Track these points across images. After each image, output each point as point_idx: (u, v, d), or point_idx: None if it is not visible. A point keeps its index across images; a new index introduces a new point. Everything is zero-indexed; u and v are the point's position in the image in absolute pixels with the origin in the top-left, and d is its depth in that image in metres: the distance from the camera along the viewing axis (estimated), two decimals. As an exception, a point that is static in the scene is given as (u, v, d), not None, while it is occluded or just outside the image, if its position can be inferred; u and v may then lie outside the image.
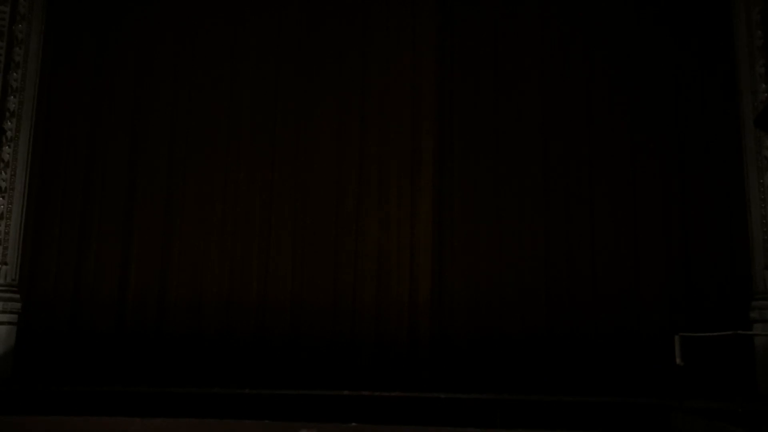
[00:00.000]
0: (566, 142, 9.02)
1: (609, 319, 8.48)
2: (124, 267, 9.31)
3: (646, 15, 9.05)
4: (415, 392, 7.94)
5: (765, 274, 8.06)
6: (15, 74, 9.32)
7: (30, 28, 9.49)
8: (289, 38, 9.67)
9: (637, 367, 8.12)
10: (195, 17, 9.81)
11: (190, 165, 9.50)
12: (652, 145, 8.84)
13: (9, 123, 9.23)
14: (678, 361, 7.15)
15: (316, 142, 9.41)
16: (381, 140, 9.32)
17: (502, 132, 9.14)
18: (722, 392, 7.50)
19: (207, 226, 9.36)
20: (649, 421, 7.11)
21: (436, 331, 8.76)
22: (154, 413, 7.43)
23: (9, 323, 8.91)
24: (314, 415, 7.55)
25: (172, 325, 9.10)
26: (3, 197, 9.09)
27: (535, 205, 8.92)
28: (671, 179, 8.73)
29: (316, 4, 9.70)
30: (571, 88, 9.08)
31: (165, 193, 9.45)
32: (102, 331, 9.10)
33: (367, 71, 9.49)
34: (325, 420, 7.39)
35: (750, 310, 8.07)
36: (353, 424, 7.13)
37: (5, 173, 9.13)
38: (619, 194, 8.80)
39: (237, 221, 9.36)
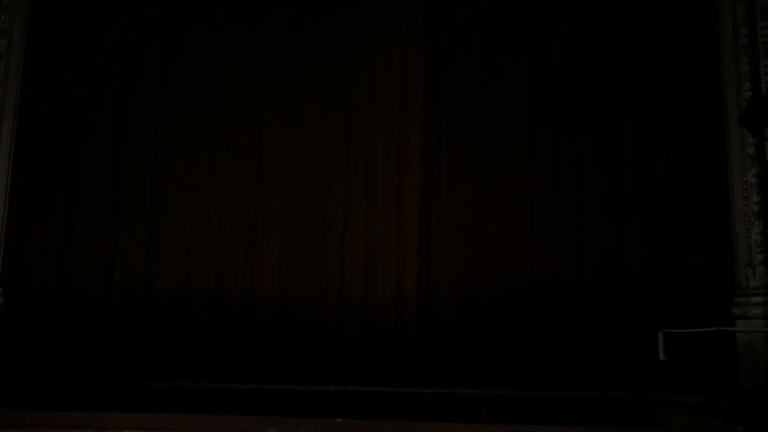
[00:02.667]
0: (553, 140, 9.07)
1: (594, 315, 8.55)
2: (109, 261, 9.24)
3: (633, 9, 9.10)
4: (401, 387, 7.95)
5: (747, 272, 8.14)
6: (-2, 65, 9.21)
7: (13, 20, 9.37)
8: (279, 32, 9.62)
9: (622, 362, 8.19)
10: (183, 17, 9.75)
11: (176, 159, 9.45)
12: (638, 142, 8.92)
13: (-8, 115, 9.13)
14: (662, 356, 7.20)
15: (304, 136, 9.38)
16: (368, 134, 9.32)
17: (489, 128, 9.18)
18: (705, 387, 7.57)
19: (193, 221, 9.31)
20: (633, 414, 7.16)
21: (422, 326, 8.79)
22: (139, 407, 7.40)
23: (-9, 317, 8.83)
24: (299, 410, 7.53)
25: (157, 319, 9.05)
26: (-14, 191, 9.00)
27: (522, 202, 8.97)
28: (656, 177, 8.81)
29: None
30: (558, 84, 9.13)
31: (150, 187, 9.40)
32: (86, 325, 9.03)
33: (355, 64, 9.50)
34: (311, 415, 7.37)
35: (733, 306, 8.15)
36: (338, 419, 7.14)
37: (-12, 167, 9.03)
38: (605, 192, 8.87)
39: (223, 215, 9.32)
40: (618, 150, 8.92)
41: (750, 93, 8.27)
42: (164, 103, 9.58)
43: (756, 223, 8.17)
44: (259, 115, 9.50)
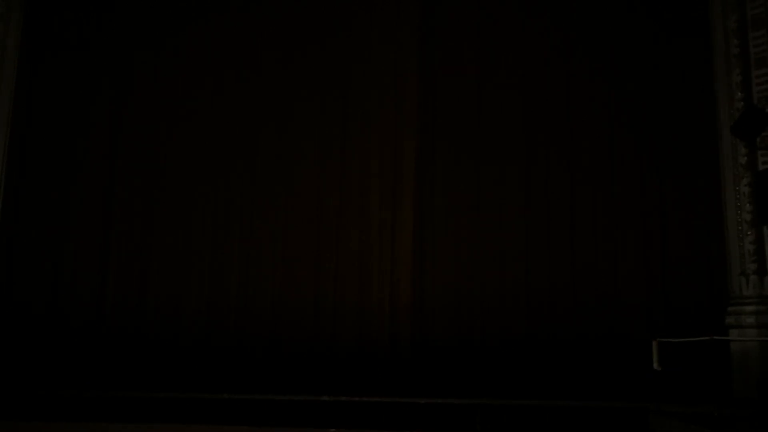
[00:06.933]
0: (546, 150, 9.10)
1: (588, 324, 8.54)
2: (102, 271, 9.22)
3: (626, 18, 9.15)
4: (395, 397, 7.92)
5: (741, 281, 8.16)
6: (-8, 74, 9.22)
7: (8, 28, 9.41)
8: (276, 41, 9.65)
9: (617, 372, 8.18)
10: (178, 23, 9.78)
11: (170, 168, 9.44)
12: (631, 152, 8.94)
13: (-15, 123, 9.13)
14: (656, 365, 7.20)
15: (298, 145, 9.40)
16: (362, 144, 9.34)
17: (483, 138, 9.20)
18: (699, 396, 7.58)
19: (187, 230, 9.30)
20: (628, 424, 7.16)
21: (416, 335, 8.77)
22: (132, 418, 7.36)
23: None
24: (293, 421, 7.51)
25: (151, 328, 9.02)
26: (-22, 198, 8.98)
27: (516, 211, 8.98)
28: (649, 186, 8.83)
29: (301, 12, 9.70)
30: (551, 93, 9.16)
31: (144, 196, 9.39)
32: (79, 334, 8.99)
33: (350, 76, 9.50)
34: (305, 425, 7.36)
35: (726, 315, 8.15)
36: (332, 430, 7.12)
37: (-19, 174, 9.02)
38: (599, 201, 8.89)
39: (217, 224, 9.31)
40: (611, 159, 8.95)
41: (742, 103, 8.32)
42: (158, 112, 9.58)
43: (749, 233, 8.20)
44: (254, 123, 9.51)
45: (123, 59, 9.70)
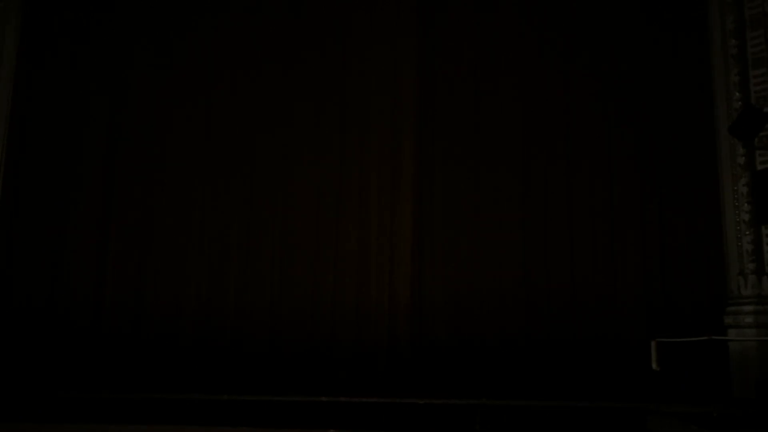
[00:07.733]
0: (544, 150, 9.10)
1: (587, 324, 8.55)
2: (101, 270, 9.22)
3: (624, 18, 9.15)
4: (394, 398, 7.92)
5: (739, 280, 8.16)
6: (-9, 72, 9.22)
7: (5, 27, 9.40)
8: (274, 38, 9.64)
9: (615, 372, 8.19)
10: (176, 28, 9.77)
11: (169, 170, 9.43)
12: (630, 152, 8.95)
13: (-17, 122, 9.13)
14: (654, 366, 7.21)
15: (297, 145, 9.39)
16: (361, 144, 9.34)
17: (482, 139, 9.20)
18: (698, 397, 7.58)
19: (185, 231, 9.29)
20: (626, 424, 7.16)
21: (415, 336, 8.77)
22: (131, 419, 7.37)
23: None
24: (292, 421, 7.51)
25: (149, 330, 9.02)
26: (-24, 200, 8.97)
27: (515, 211, 8.98)
28: (648, 186, 8.84)
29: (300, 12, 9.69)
30: (548, 93, 9.16)
31: (142, 198, 9.37)
32: (78, 336, 8.98)
33: (347, 73, 9.50)
34: (303, 426, 7.36)
35: (725, 315, 8.16)
36: (331, 430, 7.13)
37: (-21, 175, 9.01)
38: (597, 201, 8.89)
39: (215, 226, 9.30)
40: (609, 159, 8.96)
41: (740, 103, 8.33)
42: (158, 112, 9.57)
43: (747, 232, 8.21)
44: (253, 123, 9.50)
45: (123, 59, 9.69)
